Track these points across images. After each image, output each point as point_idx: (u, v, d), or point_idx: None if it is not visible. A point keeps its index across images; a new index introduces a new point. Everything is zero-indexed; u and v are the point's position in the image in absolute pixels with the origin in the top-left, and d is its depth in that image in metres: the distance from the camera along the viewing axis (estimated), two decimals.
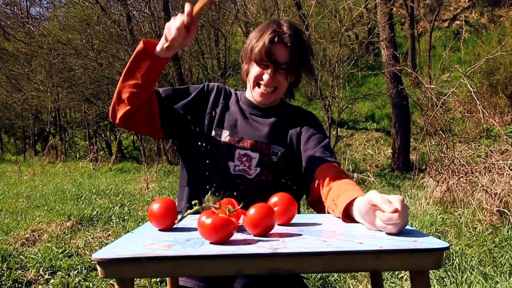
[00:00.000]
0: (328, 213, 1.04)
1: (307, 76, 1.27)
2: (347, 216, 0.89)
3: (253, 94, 1.21)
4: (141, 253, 0.60)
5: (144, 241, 0.70)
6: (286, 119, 1.24)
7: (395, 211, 0.71)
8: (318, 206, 1.13)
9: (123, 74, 1.09)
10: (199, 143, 1.19)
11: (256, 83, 1.19)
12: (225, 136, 1.18)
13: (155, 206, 0.82)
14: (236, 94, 1.30)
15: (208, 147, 1.18)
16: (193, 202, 0.86)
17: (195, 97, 1.23)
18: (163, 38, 1.02)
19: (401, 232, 0.76)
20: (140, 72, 1.06)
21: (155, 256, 0.59)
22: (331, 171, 1.08)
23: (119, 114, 1.11)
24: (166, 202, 0.83)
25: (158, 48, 1.04)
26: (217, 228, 0.68)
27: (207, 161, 1.17)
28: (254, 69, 1.17)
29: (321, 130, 1.24)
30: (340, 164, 1.16)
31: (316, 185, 1.09)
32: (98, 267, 0.60)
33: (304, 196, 1.24)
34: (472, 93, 4.49)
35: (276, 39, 1.12)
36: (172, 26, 0.98)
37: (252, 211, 0.75)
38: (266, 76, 1.15)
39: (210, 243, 0.68)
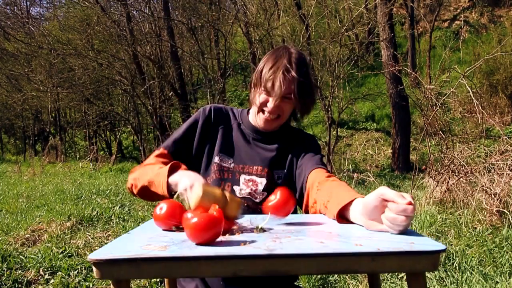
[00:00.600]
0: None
1: (310, 105, 1.27)
2: (341, 217, 0.90)
3: (257, 119, 1.25)
4: (137, 254, 0.60)
5: (141, 241, 0.70)
6: (288, 145, 1.28)
7: (410, 203, 0.72)
8: (310, 212, 1.15)
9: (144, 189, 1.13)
10: (201, 171, 1.22)
11: (261, 109, 1.22)
12: (229, 162, 1.22)
13: (162, 206, 0.83)
14: (234, 114, 1.32)
15: (211, 173, 1.21)
16: (174, 197, 0.88)
17: (201, 132, 1.25)
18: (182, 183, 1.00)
19: (400, 232, 0.76)
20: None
21: (151, 257, 0.59)
22: (320, 175, 1.11)
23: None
24: (172, 204, 0.84)
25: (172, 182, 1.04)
26: (203, 228, 0.67)
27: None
28: (261, 96, 1.20)
29: (317, 151, 1.27)
30: (330, 171, 1.19)
31: (307, 190, 1.12)
32: (94, 268, 0.60)
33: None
34: (471, 93, 4.49)
35: (286, 72, 1.15)
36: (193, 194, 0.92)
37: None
38: (270, 104, 1.18)
39: (196, 244, 0.68)
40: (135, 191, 1.16)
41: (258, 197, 1.20)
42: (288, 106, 1.20)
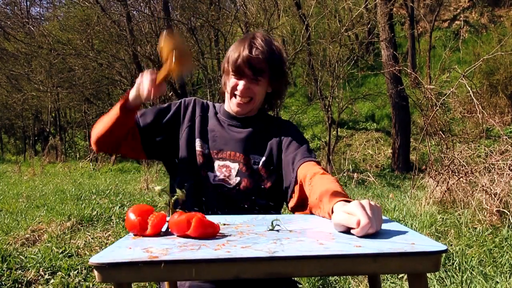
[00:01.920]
0: (311, 213, 1.05)
1: (282, 87, 1.29)
2: None
3: (230, 104, 1.25)
4: (139, 257, 0.60)
5: (142, 244, 0.70)
6: (264, 128, 1.27)
7: (358, 222, 0.73)
8: (300, 211, 1.14)
9: (101, 125, 1.19)
10: (179, 157, 1.24)
11: (233, 94, 1.23)
12: (205, 148, 1.23)
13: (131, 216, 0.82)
14: (214, 106, 1.33)
15: (188, 157, 1.22)
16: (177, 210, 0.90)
17: (174, 113, 1.28)
18: (135, 89, 1.11)
19: (398, 233, 0.76)
20: (116, 124, 1.15)
21: (152, 260, 0.59)
22: (311, 169, 1.09)
23: (101, 151, 1.24)
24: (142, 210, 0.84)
25: (131, 96, 1.13)
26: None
27: (188, 173, 1.21)
28: (231, 80, 1.21)
29: (300, 136, 1.27)
30: (320, 162, 1.17)
31: (298, 186, 1.11)
32: (95, 272, 0.60)
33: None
34: (471, 93, 4.49)
35: (249, 51, 1.17)
36: (144, 84, 1.08)
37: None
38: (240, 86, 1.19)
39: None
40: (94, 138, 1.20)
41: (232, 182, 1.20)
42: (258, 88, 1.20)
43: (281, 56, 1.23)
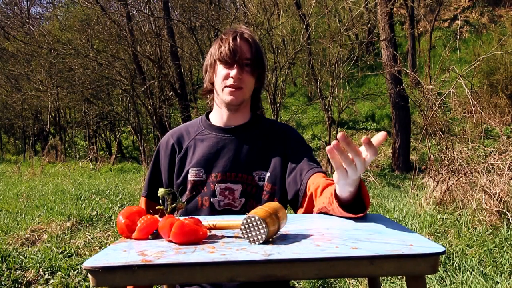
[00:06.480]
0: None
1: (263, 81, 1.26)
2: (343, 207, 0.88)
3: (222, 96, 1.18)
4: (133, 261, 0.60)
5: (137, 247, 0.70)
6: (263, 137, 1.23)
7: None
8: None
9: None
10: (178, 191, 1.18)
11: (224, 84, 1.17)
12: (201, 174, 1.17)
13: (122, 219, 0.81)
14: (194, 127, 1.27)
15: (187, 191, 1.17)
16: (156, 208, 0.90)
17: (165, 161, 1.23)
18: None
19: (396, 234, 0.75)
20: None
21: (146, 264, 0.59)
22: (322, 181, 1.07)
23: None
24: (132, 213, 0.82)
25: None
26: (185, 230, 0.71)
27: (191, 204, 1.16)
28: (221, 71, 1.17)
29: (302, 143, 1.23)
30: (326, 172, 1.15)
31: (309, 198, 1.08)
32: (89, 276, 0.60)
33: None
34: (468, 93, 4.49)
35: (238, 37, 1.16)
36: None
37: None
38: (233, 73, 1.14)
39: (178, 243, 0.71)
40: None
41: (237, 205, 1.15)
42: (248, 78, 1.16)
43: (261, 48, 1.23)
